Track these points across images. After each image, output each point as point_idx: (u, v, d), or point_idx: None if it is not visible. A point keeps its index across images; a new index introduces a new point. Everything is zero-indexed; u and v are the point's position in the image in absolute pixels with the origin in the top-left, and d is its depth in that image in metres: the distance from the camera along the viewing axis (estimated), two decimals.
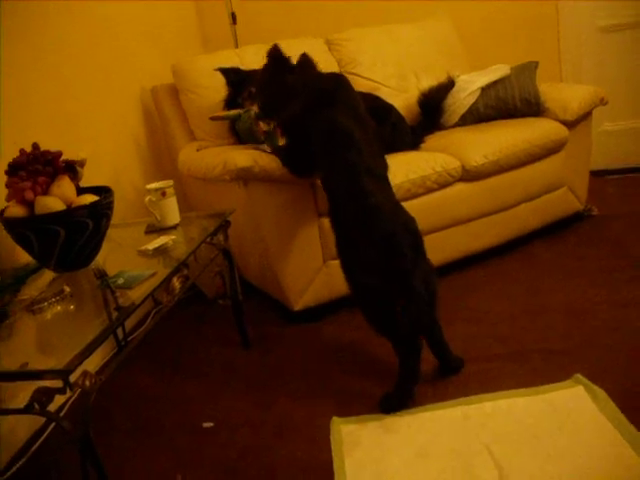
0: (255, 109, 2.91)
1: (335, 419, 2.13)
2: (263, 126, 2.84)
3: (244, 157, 2.61)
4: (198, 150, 3.12)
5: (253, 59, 3.29)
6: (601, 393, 2.02)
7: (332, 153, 2.27)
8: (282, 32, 3.82)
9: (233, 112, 3.10)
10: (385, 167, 2.33)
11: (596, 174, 3.90)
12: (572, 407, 2.00)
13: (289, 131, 2.57)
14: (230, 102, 3.20)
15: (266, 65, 2.64)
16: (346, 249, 2.26)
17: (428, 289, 2.14)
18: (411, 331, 2.12)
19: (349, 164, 2.20)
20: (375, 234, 2.10)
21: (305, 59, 2.60)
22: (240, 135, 3.12)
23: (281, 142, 2.73)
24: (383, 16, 4.07)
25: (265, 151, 2.74)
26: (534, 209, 3.27)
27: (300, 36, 3.68)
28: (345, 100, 2.39)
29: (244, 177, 2.62)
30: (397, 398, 2.16)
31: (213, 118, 3.11)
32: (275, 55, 2.61)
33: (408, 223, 2.15)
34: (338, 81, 2.47)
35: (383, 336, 2.22)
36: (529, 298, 2.78)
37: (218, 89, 3.23)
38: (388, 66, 3.73)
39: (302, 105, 2.43)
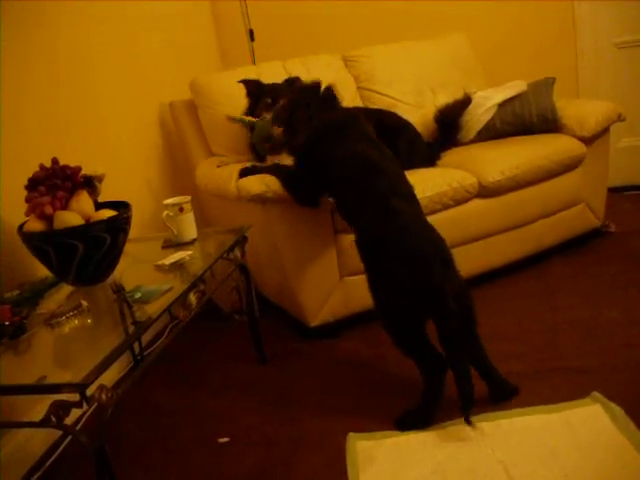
0: (269, 116, 2.93)
1: (351, 435, 2.13)
2: (277, 130, 2.86)
3: (256, 183, 2.63)
4: (219, 166, 3.13)
5: (271, 75, 3.31)
6: (619, 411, 2.00)
7: (356, 181, 2.27)
8: (299, 49, 3.85)
9: (249, 118, 3.11)
10: (411, 187, 2.32)
11: (614, 190, 3.88)
12: (589, 425, 1.99)
13: (297, 159, 2.60)
14: (249, 114, 3.20)
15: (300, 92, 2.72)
16: (374, 270, 2.21)
17: (462, 305, 2.10)
18: (452, 350, 2.06)
19: (375, 189, 2.20)
20: (404, 253, 2.08)
21: (329, 93, 2.66)
22: (256, 147, 3.09)
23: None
24: (400, 33, 4.08)
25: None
26: (551, 226, 3.26)
27: (317, 53, 3.71)
28: (358, 130, 2.41)
29: (258, 200, 2.65)
30: (416, 418, 2.14)
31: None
32: (310, 87, 2.70)
33: (436, 241, 2.13)
34: (349, 115, 2.51)
35: (409, 357, 2.19)
36: (546, 315, 2.76)
37: (236, 105, 3.25)
38: (405, 82, 3.73)
39: (310, 136, 2.47)
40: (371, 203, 2.21)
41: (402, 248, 2.09)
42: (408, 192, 2.28)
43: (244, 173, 2.78)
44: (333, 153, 2.37)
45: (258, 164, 2.93)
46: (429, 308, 2.07)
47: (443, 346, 2.06)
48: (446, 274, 2.08)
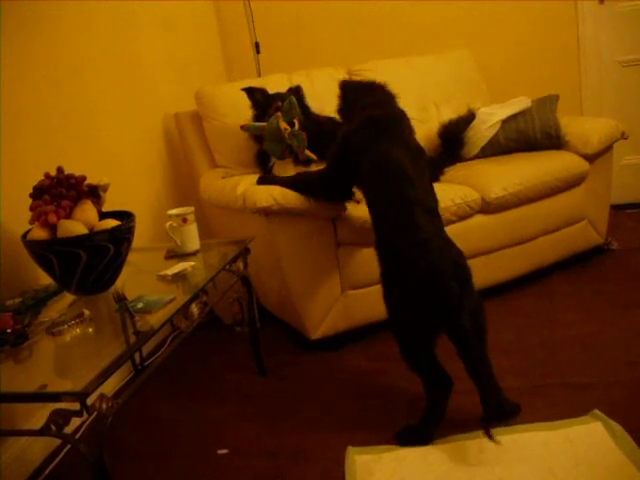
0: (280, 114, 2.93)
1: (350, 449, 2.12)
2: (285, 125, 2.88)
3: (263, 196, 2.61)
4: (224, 177, 3.13)
5: (276, 88, 3.33)
6: (619, 429, 2.00)
7: (384, 185, 2.25)
8: (305, 62, 3.88)
9: (263, 124, 3.05)
10: (436, 201, 2.30)
11: (616, 208, 3.88)
12: (589, 443, 1.98)
13: (338, 149, 2.53)
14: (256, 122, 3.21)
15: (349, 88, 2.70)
16: (391, 281, 2.19)
17: (476, 324, 2.09)
18: (472, 365, 2.05)
19: (402, 197, 2.17)
20: (420, 269, 2.06)
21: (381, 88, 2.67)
22: (268, 150, 3.06)
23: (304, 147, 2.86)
24: (405, 48, 4.11)
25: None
26: (553, 242, 3.26)
27: (322, 66, 3.72)
28: (399, 135, 2.38)
29: (264, 213, 2.65)
30: (417, 434, 2.14)
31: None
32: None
33: (456, 258, 2.11)
34: (397, 116, 2.48)
35: (415, 372, 2.17)
36: (547, 331, 2.76)
37: (241, 116, 3.26)
38: (409, 97, 3.69)
39: (354, 129, 2.43)
40: (395, 211, 2.18)
41: (419, 264, 2.07)
42: (433, 206, 2.25)
43: (262, 181, 2.78)
44: (369, 151, 2.32)
45: (277, 176, 2.91)
46: (443, 326, 2.06)
47: (463, 362, 2.05)
48: (463, 292, 2.05)
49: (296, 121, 2.92)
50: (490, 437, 1.98)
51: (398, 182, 2.21)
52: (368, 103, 2.51)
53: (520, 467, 1.92)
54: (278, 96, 3.17)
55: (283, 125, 2.87)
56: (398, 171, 2.23)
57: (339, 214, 2.70)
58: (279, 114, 2.93)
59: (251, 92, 3.25)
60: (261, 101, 3.21)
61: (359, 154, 2.36)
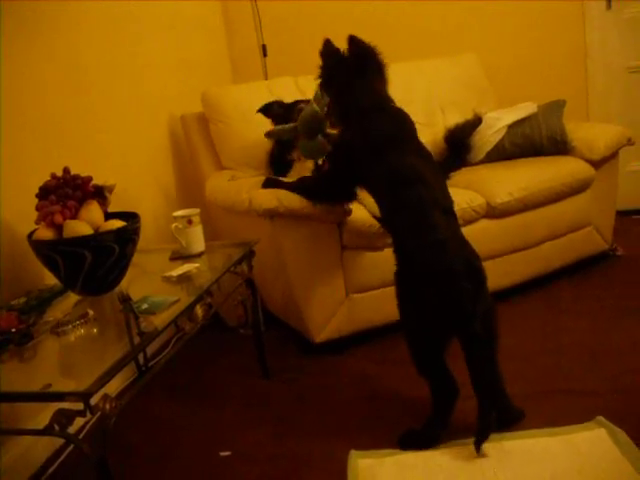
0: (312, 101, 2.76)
1: (353, 453, 2.12)
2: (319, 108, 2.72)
3: (268, 198, 2.62)
4: (230, 180, 3.13)
5: (282, 91, 3.33)
6: (623, 436, 1.99)
7: (400, 191, 2.21)
8: (312, 65, 3.86)
9: (289, 125, 2.88)
10: (451, 202, 2.29)
11: (622, 214, 3.87)
12: (593, 450, 1.97)
13: (340, 155, 2.50)
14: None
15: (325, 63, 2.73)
16: (405, 281, 2.18)
17: (486, 327, 2.06)
18: (477, 374, 2.05)
19: (418, 200, 2.15)
20: (435, 270, 2.05)
21: (359, 49, 2.74)
22: (304, 153, 2.85)
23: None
24: (412, 51, 4.10)
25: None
26: (559, 248, 3.26)
27: None
28: (408, 137, 2.38)
29: (270, 215, 2.65)
30: (420, 438, 2.13)
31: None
32: (330, 52, 2.75)
33: (471, 259, 2.10)
34: (403, 120, 2.45)
35: (423, 376, 2.16)
36: (552, 337, 2.76)
37: (247, 119, 3.27)
38: (415, 101, 3.74)
39: (359, 137, 2.37)
40: (410, 214, 2.17)
41: (434, 266, 2.06)
42: (448, 206, 2.24)
43: (268, 183, 2.77)
44: (379, 157, 2.29)
45: (283, 179, 2.87)
46: (455, 329, 2.06)
47: (469, 369, 2.05)
48: (476, 296, 2.04)
49: (326, 108, 2.74)
50: (477, 450, 2.00)
51: (413, 186, 2.18)
52: (369, 101, 2.47)
53: (523, 473, 1.92)
54: (297, 101, 3.13)
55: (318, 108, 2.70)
56: (413, 174, 2.21)
57: (343, 219, 2.69)
58: (312, 100, 2.76)
59: (267, 109, 3.17)
60: (280, 112, 3.13)
61: (368, 161, 2.32)
